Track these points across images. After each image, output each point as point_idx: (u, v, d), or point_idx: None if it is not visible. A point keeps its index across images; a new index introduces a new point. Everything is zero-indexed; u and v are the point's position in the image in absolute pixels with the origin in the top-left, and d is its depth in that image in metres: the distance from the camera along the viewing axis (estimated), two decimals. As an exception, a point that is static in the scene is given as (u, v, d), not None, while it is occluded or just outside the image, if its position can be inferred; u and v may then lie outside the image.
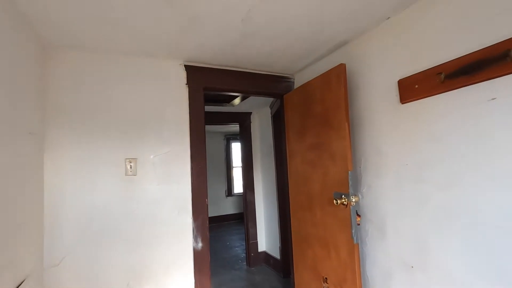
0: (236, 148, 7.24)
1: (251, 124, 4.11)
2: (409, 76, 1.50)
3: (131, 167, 1.92)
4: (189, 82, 2.15)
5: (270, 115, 3.68)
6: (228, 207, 6.98)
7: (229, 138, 7.15)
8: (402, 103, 1.55)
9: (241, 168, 4.16)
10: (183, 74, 2.14)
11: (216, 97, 3.34)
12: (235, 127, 6.04)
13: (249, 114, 4.09)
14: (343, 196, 1.77)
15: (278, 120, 3.49)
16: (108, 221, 1.84)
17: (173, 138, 2.07)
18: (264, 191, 4.04)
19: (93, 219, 1.81)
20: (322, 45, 2.00)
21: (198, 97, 2.18)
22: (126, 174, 1.91)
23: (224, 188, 7.00)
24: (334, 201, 1.77)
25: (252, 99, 3.38)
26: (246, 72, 2.38)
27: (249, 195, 3.99)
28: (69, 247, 1.75)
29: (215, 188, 6.87)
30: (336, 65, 1.86)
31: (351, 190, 1.73)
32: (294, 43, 1.94)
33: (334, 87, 1.86)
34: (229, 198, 7.02)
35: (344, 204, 1.76)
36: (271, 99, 3.44)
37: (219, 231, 6.11)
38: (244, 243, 4.66)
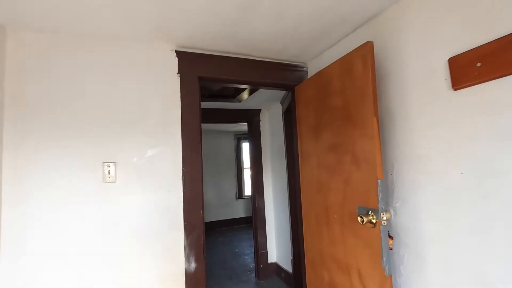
0: (247, 149, 6.89)
1: (260, 122, 3.75)
2: (466, 51, 1.09)
3: (109, 172, 1.60)
4: (182, 71, 1.81)
5: (281, 112, 3.30)
6: (239, 210, 6.65)
7: (240, 137, 6.81)
8: (455, 89, 1.14)
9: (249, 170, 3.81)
10: (174, 62, 1.81)
11: (221, 91, 3.00)
12: (245, 126, 5.69)
13: (258, 111, 3.73)
14: (370, 212, 1.37)
15: (289, 118, 3.13)
16: (81, 239, 1.53)
17: (161, 137, 1.73)
18: (274, 196, 3.66)
19: (63, 237, 1.50)
20: (342, 21, 1.60)
21: (193, 88, 1.83)
22: (103, 181, 1.59)
23: (234, 190, 6.68)
24: (359, 218, 1.38)
25: (261, 94, 3.01)
26: (250, 59, 2.01)
27: (258, 200, 3.63)
28: (32, 271, 1.45)
29: (225, 190, 6.56)
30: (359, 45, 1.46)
31: (381, 205, 1.33)
32: (306, 20, 1.56)
33: (357, 73, 1.46)
34: (240, 200, 6.69)
35: (372, 223, 1.36)
36: (282, 94, 3.06)
37: (229, 235, 5.78)
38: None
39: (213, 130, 6.34)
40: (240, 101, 3.17)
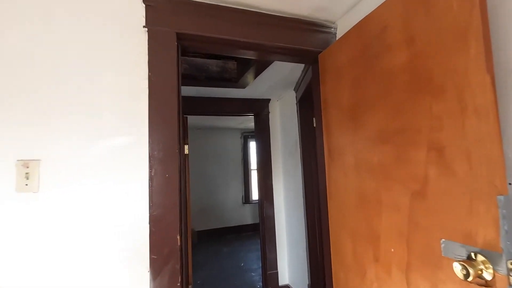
0: (253, 147, 6.26)
1: (270, 114, 3.12)
2: None
3: (27, 176, 1.00)
4: (151, 24, 1.20)
5: (295, 101, 2.67)
6: (246, 216, 6.02)
7: (247, 136, 6.19)
8: None
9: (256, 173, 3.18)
10: (139, 10, 1.20)
11: (221, 73, 2.39)
12: (253, 123, 5.05)
13: (266, 101, 3.10)
14: (476, 255, 0.72)
15: (306, 107, 2.51)
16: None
17: (118, 123, 1.13)
18: (287, 204, 3.02)
19: None
20: None
21: (168, 49, 1.22)
22: (17, 190, 0.99)
23: (241, 194, 6.05)
24: (458, 268, 0.72)
25: (270, 76, 2.39)
26: (254, 12, 1.39)
27: (266, 207, 3.00)
28: None
29: (231, 194, 5.94)
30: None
31: (506, 245, 0.68)
32: None
33: (445, 3, 0.81)
34: (247, 205, 6.06)
35: (482, 279, 0.71)
36: (295, 79, 2.43)
37: (235, 245, 5.16)
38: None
39: (217, 128, 5.74)
40: (244, 86, 2.55)
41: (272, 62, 2.05)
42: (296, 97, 2.67)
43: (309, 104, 2.56)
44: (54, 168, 1.03)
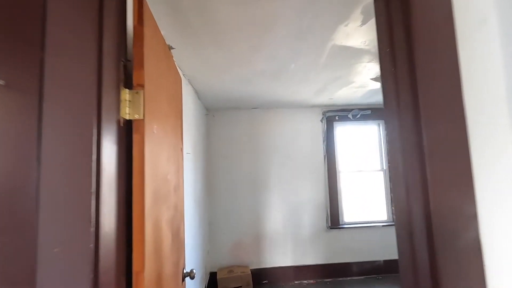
0: (343, 136, 3.82)
1: None
2: None
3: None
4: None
5: None
6: (334, 250, 3.61)
7: (332, 117, 3.80)
8: None
9: (390, 189, 0.84)
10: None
11: None
12: (341, 92, 2.57)
13: None
14: None
15: None
16: None
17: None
18: None
19: None
20: None
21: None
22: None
23: (323, 213, 3.68)
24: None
25: None
26: None
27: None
28: None
29: (306, 211, 3.64)
30: None
31: None
32: None
33: None
34: (334, 232, 3.65)
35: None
36: None
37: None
38: None
39: (282, 104, 3.51)
40: None
41: None
42: None
43: None
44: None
